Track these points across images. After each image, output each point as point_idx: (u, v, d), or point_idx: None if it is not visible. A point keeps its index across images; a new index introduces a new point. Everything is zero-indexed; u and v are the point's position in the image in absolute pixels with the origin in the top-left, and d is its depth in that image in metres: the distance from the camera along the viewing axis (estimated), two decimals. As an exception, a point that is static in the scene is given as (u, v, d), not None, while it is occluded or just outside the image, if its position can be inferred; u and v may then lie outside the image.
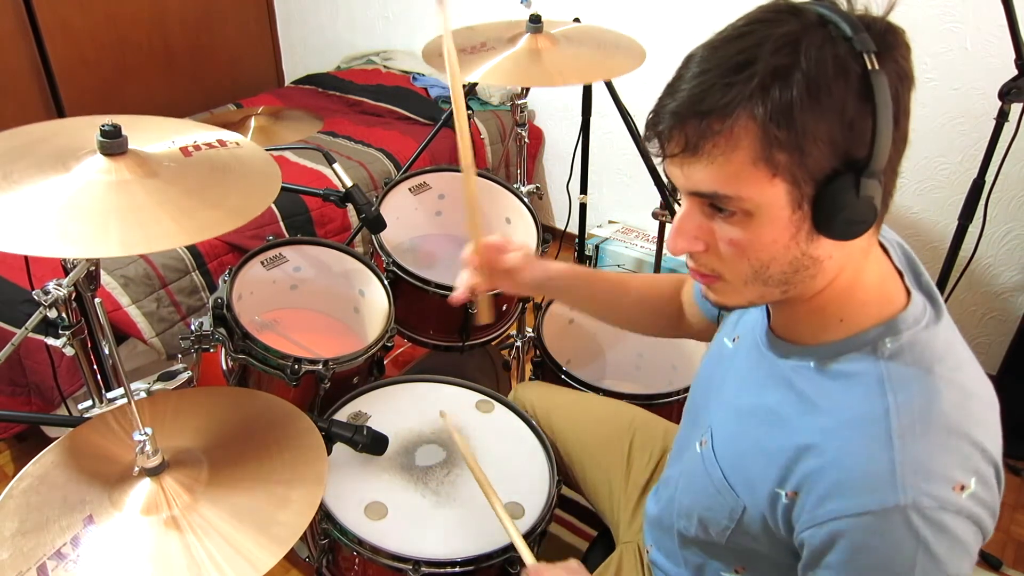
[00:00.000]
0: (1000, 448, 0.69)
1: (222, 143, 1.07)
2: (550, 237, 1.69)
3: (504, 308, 1.73)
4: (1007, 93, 1.57)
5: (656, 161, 0.69)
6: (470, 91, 2.07)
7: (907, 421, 0.66)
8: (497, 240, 1.09)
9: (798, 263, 0.68)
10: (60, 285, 1.11)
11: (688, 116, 0.64)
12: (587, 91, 2.05)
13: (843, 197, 0.63)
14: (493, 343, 1.79)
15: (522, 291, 1.14)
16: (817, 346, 0.74)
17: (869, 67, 0.60)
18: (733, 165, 0.63)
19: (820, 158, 0.62)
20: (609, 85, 1.84)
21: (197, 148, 1.04)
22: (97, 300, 1.20)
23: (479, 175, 1.80)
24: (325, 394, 1.36)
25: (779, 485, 0.73)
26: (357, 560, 1.13)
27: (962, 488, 0.65)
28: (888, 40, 0.63)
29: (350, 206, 1.55)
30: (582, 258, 2.44)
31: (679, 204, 0.72)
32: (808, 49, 0.60)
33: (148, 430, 0.88)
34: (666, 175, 0.70)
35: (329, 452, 1.15)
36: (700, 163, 0.65)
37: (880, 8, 0.66)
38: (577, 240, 2.39)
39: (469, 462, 1.15)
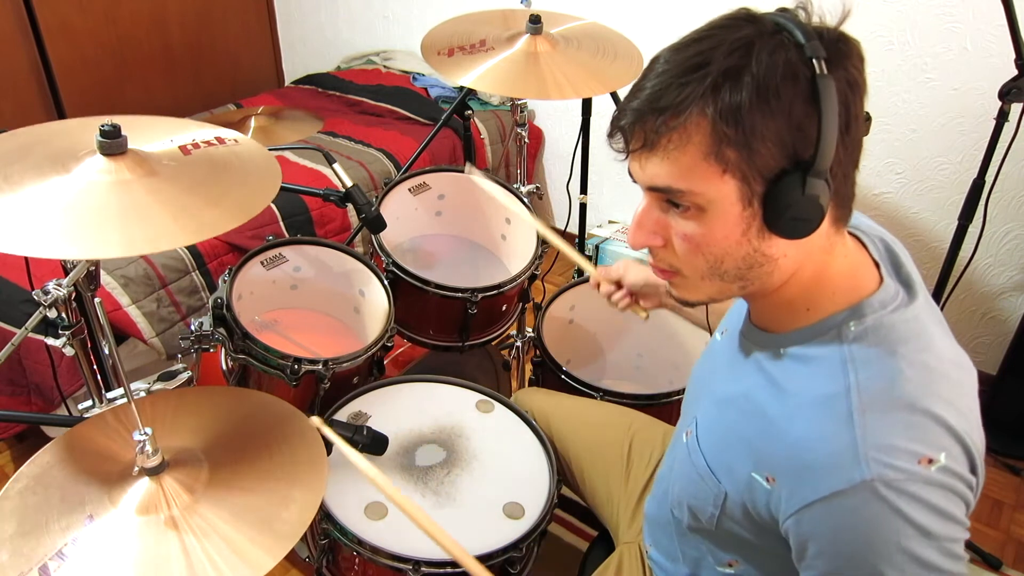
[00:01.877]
0: (973, 428, 0.70)
1: (220, 140, 1.07)
2: (550, 237, 1.69)
3: (504, 308, 1.73)
4: (1007, 93, 1.57)
5: (620, 158, 0.73)
6: (470, 91, 2.07)
7: (868, 399, 0.67)
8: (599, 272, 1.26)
9: (751, 259, 0.71)
10: (60, 285, 1.11)
11: (647, 113, 0.67)
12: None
13: (789, 195, 0.66)
14: (493, 343, 1.79)
15: (653, 299, 1.25)
16: (787, 333, 0.77)
17: (817, 72, 0.63)
18: (686, 159, 0.67)
19: (768, 157, 0.65)
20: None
21: (196, 146, 1.04)
22: (97, 300, 1.20)
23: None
24: (325, 394, 1.36)
25: (755, 469, 0.75)
26: (357, 560, 1.13)
27: (930, 462, 0.65)
28: (840, 49, 0.66)
29: (350, 206, 1.55)
30: (582, 258, 2.44)
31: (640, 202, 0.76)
32: (760, 53, 0.64)
33: (148, 430, 0.88)
34: (629, 172, 0.73)
35: (329, 452, 1.15)
36: (656, 157, 0.68)
37: (837, 20, 0.69)
38: (577, 240, 2.39)
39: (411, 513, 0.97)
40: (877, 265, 0.76)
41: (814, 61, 0.63)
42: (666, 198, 0.71)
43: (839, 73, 0.65)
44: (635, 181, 0.73)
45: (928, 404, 0.67)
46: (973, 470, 0.69)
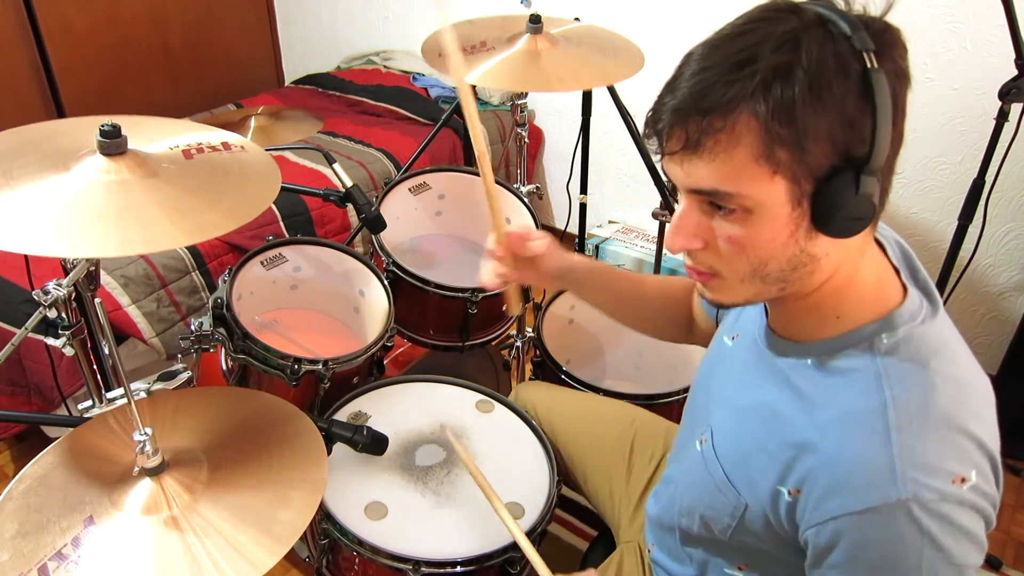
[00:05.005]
0: (997, 441, 0.70)
1: (227, 146, 1.07)
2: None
3: (504, 308, 1.73)
4: (1007, 93, 1.57)
5: (655, 159, 0.70)
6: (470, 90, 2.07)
7: (904, 416, 0.67)
8: (520, 229, 1.04)
9: (796, 260, 0.69)
10: (60, 285, 1.11)
11: (690, 113, 0.64)
12: (587, 91, 2.05)
13: (842, 194, 0.64)
14: (493, 343, 1.79)
15: (544, 282, 1.09)
16: (814, 343, 0.75)
17: (869, 65, 0.61)
18: (734, 162, 0.64)
19: (820, 155, 0.63)
20: (609, 86, 1.84)
21: (200, 150, 1.03)
22: (97, 300, 1.20)
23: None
24: (325, 394, 1.36)
25: (780, 483, 0.73)
26: (357, 560, 1.13)
27: (962, 481, 0.65)
28: (886, 39, 0.64)
29: (350, 206, 1.55)
30: (582, 258, 2.44)
31: (679, 204, 0.73)
32: (809, 47, 0.61)
33: (148, 430, 0.88)
34: (665, 173, 0.70)
35: (329, 452, 1.15)
36: (701, 160, 0.65)
37: (877, 8, 0.67)
38: (577, 240, 2.39)
39: (478, 479, 1.11)
40: (896, 271, 0.76)
41: (864, 54, 0.61)
42: (709, 200, 0.68)
43: (888, 65, 0.63)
44: (672, 182, 0.71)
45: (962, 420, 0.67)
46: (997, 484, 0.69)
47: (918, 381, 0.68)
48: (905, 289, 0.74)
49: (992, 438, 0.68)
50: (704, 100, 0.63)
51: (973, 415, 0.68)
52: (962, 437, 0.66)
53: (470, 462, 1.12)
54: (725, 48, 0.64)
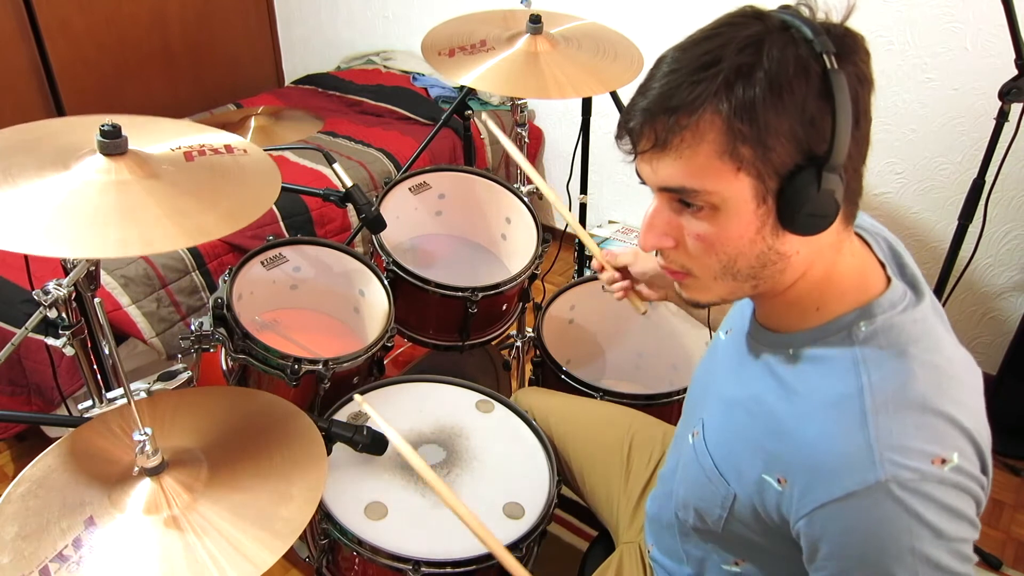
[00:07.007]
0: (983, 429, 0.70)
1: (229, 148, 1.07)
2: (550, 237, 1.69)
3: (504, 308, 1.73)
4: (1007, 93, 1.57)
5: (627, 159, 0.72)
6: (470, 91, 2.08)
7: (881, 399, 0.67)
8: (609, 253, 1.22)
9: (765, 257, 0.71)
10: (60, 285, 1.11)
11: (658, 113, 0.67)
12: (587, 91, 2.05)
13: (805, 191, 0.66)
14: (493, 343, 1.79)
15: (660, 290, 1.21)
16: (795, 334, 0.76)
17: (828, 67, 0.64)
18: (699, 159, 0.66)
19: (783, 153, 0.66)
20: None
21: (202, 152, 1.03)
22: (97, 300, 1.20)
23: (480, 175, 1.80)
24: (325, 394, 1.36)
25: (766, 471, 0.74)
26: (357, 560, 1.13)
27: (943, 462, 0.65)
28: (847, 43, 0.66)
29: (350, 206, 1.55)
30: (582, 258, 2.44)
31: (651, 203, 0.75)
32: (771, 49, 0.64)
33: (148, 430, 0.88)
34: (637, 173, 0.73)
35: (329, 452, 1.15)
36: (668, 158, 0.68)
37: (841, 16, 0.69)
38: (577, 240, 2.39)
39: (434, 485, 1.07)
40: (882, 265, 0.76)
41: (824, 56, 0.64)
42: (678, 198, 0.71)
43: (848, 68, 0.65)
44: (644, 182, 0.73)
45: (940, 404, 0.67)
46: (984, 470, 0.69)
47: (895, 367, 0.69)
48: (889, 281, 0.75)
49: (976, 425, 0.69)
50: (671, 100, 0.66)
51: (953, 401, 0.68)
52: (941, 420, 0.67)
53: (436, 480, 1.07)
54: (692, 51, 0.67)
